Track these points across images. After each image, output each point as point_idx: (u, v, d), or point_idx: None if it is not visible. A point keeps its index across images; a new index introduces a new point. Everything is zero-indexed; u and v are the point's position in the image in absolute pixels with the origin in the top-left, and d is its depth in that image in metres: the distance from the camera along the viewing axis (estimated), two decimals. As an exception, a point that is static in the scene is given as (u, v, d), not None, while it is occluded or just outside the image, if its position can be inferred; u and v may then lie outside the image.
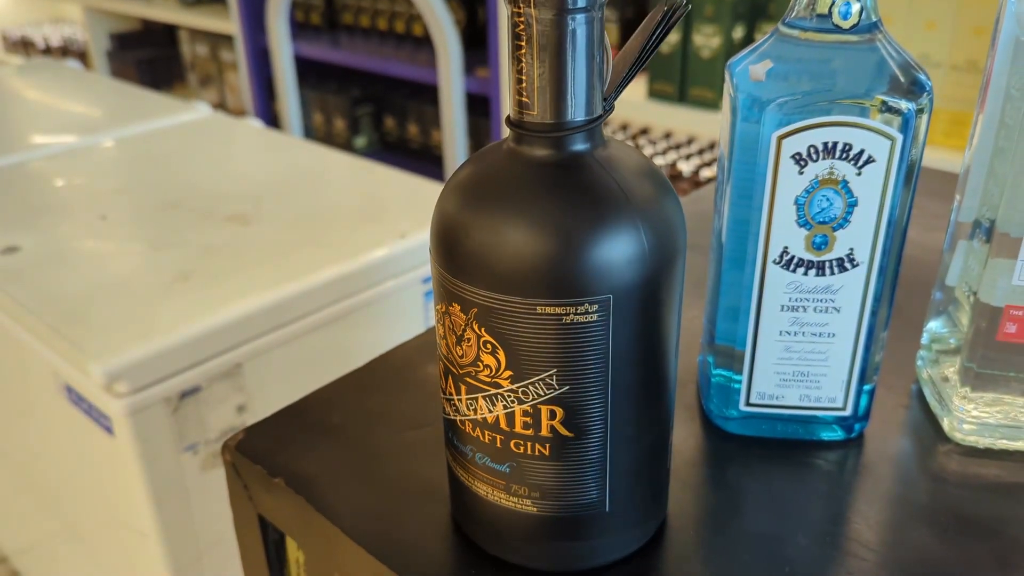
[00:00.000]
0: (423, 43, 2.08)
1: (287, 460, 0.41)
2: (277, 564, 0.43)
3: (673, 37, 1.48)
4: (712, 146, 1.65)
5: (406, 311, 1.02)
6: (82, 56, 3.04)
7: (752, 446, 0.42)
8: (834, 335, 0.39)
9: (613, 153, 0.32)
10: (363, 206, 1.13)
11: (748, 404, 0.42)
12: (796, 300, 0.39)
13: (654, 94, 1.54)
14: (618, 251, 0.30)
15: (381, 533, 0.38)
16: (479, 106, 1.92)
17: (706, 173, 1.55)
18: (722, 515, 0.39)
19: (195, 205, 1.11)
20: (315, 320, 0.93)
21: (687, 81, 1.50)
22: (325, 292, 0.93)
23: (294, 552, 0.43)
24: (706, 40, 1.45)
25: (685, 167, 1.58)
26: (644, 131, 1.73)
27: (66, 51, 3.12)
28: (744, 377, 0.41)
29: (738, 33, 1.45)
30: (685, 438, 0.43)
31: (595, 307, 0.30)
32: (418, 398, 0.46)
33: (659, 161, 1.61)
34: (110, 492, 0.92)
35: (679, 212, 0.33)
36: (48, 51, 3.17)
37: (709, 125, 1.50)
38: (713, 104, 1.48)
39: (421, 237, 1.01)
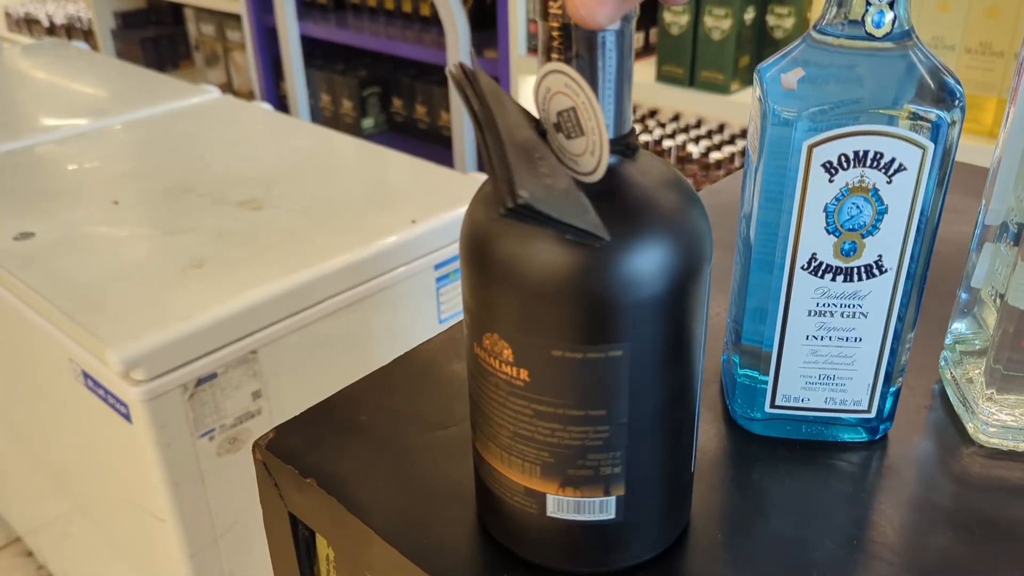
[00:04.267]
0: (431, 23, 2.07)
1: (317, 460, 0.42)
2: (307, 561, 0.44)
3: (683, 19, 1.48)
4: (721, 128, 1.64)
5: (418, 297, 1.02)
6: (87, 34, 3.03)
7: (776, 447, 0.43)
8: (860, 339, 0.39)
9: (642, 166, 0.32)
10: (373, 192, 1.13)
11: (773, 406, 0.42)
12: (823, 305, 0.39)
13: (663, 76, 1.54)
14: (645, 262, 0.30)
15: (412, 533, 0.38)
16: (487, 87, 1.91)
17: (715, 156, 1.54)
18: (747, 517, 0.39)
19: (207, 190, 1.11)
20: (328, 306, 0.93)
21: (697, 64, 1.50)
22: (338, 279, 0.93)
23: (324, 549, 0.43)
24: (716, 22, 1.44)
25: (694, 149, 1.58)
26: (653, 113, 1.72)
27: (70, 29, 3.11)
28: (769, 380, 0.41)
29: (749, 15, 1.44)
30: (709, 438, 0.44)
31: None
32: (443, 397, 0.46)
33: (667, 143, 1.61)
34: (126, 477, 0.92)
35: (706, 223, 0.33)
36: (52, 29, 3.16)
37: (718, 107, 1.50)
38: (723, 87, 1.48)
39: (432, 223, 1.01)
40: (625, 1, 0.28)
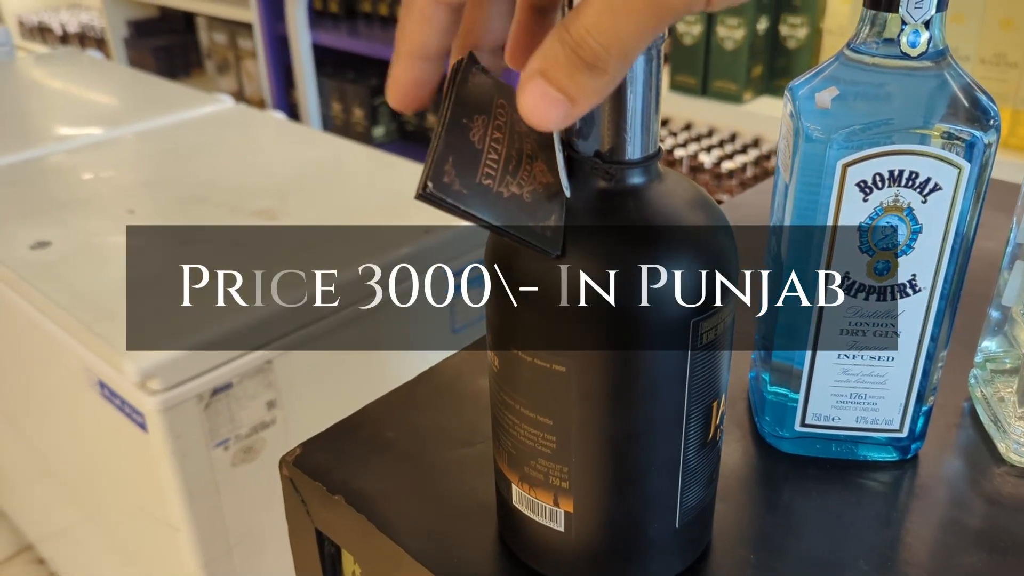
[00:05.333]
0: (442, 32, 2.07)
1: (344, 476, 0.42)
2: (333, 577, 0.44)
3: (696, 29, 1.48)
4: (733, 137, 1.64)
5: (432, 307, 1.02)
6: (100, 43, 3.04)
7: (806, 466, 0.42)
8: (893, 358, 0.39)
9: (669, 187, 0.32)
10: (387, 202, 1.13)
11: (803, 424, 0.42)
12: (856, 324, 0.39)
13: (676, 86, 1.54)
14: (673, 283, 0.30)
15: (440, 551, 0.38)
16: (498, 96, 1.91)
17: (727, 165, 1.54)
18: (778, 536, 0.39)
19: (222, 200, 1.11)
20: (342, 316, 0.93)
21: (710, 73, 1.50)
22: (352, 289, 0.93)
23: (350, 565, 0.43)
24: (730, 32, 1.44)
25: (706, 159, 1.58)
26: (665, 122, 1.72)
27: (83, 38, 3.12)
28: (800, 398, 0.41)
29: (762, 25, 1.44)
30: (737, 456, 0.43)
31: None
32: (469, 414, 0.46)
33: (679, 153, 1.61)
34: (141, 486, 0.92)
35: (732, 244, 0.33)
36: (65, 38, 3.17)
37: (730, 117, 1.50)
38: (736, 97, 1.47)
39: (445, 234, 1.01)
40: (576, 106, 0.26)
